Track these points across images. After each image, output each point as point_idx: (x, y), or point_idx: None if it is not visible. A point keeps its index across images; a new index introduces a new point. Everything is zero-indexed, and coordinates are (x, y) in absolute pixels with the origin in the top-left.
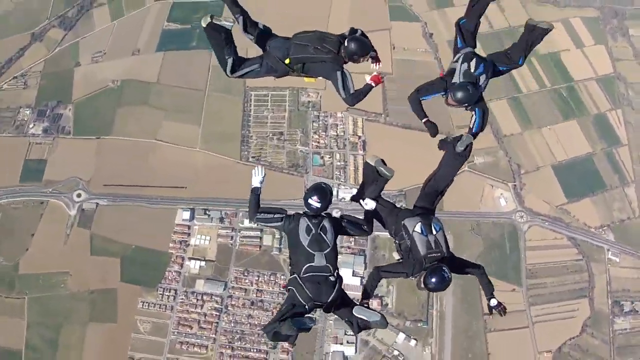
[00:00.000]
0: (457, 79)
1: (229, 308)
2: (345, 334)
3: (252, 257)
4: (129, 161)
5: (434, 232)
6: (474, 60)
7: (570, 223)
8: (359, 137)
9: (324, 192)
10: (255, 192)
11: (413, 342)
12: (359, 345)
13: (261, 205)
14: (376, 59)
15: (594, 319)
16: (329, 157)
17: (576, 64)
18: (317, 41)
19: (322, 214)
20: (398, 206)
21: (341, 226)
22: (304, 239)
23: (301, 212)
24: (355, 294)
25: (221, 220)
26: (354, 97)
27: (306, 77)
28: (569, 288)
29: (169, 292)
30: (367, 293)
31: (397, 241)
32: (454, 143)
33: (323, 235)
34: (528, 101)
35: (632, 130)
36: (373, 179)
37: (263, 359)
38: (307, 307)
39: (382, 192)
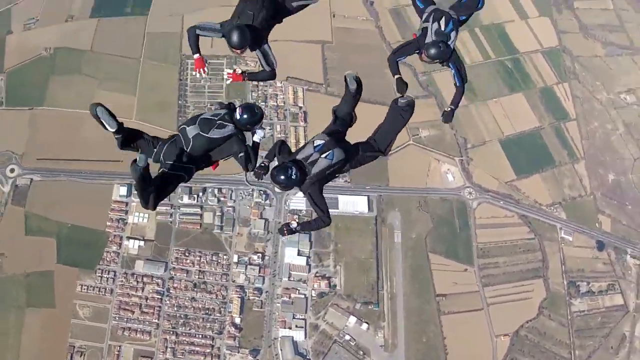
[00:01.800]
0: (429, 38)
1: (170, 291)
2: (294, 318)
3: (192, 235)
4: (63, 133)
5: (324, 156)
6: (443, 18)
7: (520, 200)
8: (300, 108)
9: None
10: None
11: (365, 326)
12: (309, 329)
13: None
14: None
15: (550, 301)
16: (270, 129)
17: (521, 36)
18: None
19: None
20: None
21: (235, 148)
22: (205, 114)
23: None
24: (301, 274)
25: None
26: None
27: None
28: (523, 268)
29: (108, 274)
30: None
31: None
32: (397, 99)
33: (217, 128)
34: (472, 73)
35: (580, 104)
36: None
37: (209, 345)
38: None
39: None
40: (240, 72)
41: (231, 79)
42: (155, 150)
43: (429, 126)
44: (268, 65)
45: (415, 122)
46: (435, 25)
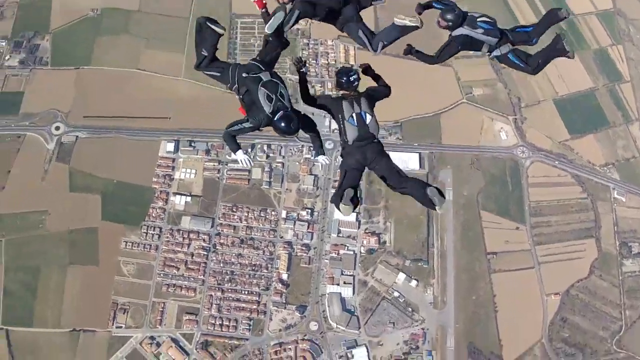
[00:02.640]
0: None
1: (217, 247)
2: (342, 274)
3: (240, 191)
4: (109, 91)
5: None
6: (485, 17)
7: (573, 160)
8: (352, 66)
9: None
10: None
11: (414, 283)
12: (357, 286)
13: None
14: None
15: (601, 261)
16: (320, 87)
17: None
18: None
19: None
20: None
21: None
22: (285, 88)
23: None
24: (350, 230)
25: (207, 152)
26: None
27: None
28: (575, 227)
29: (153, 230)
30: None
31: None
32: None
33: (266, 96)
34: None
35: (634, 66)
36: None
37: (255, 302)
38: None
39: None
40: (265, 1)
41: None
42: (256, 61)
43: (482, 85)
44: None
45: (468, 80)
46: (476, 14)
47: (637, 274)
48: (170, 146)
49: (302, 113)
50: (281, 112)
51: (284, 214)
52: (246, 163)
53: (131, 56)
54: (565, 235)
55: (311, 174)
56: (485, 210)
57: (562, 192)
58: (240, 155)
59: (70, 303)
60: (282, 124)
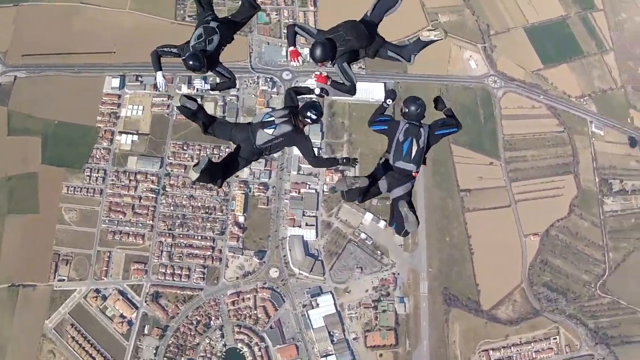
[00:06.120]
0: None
1: (166, 189)
2: (304, 215)
3: (191, 128)
4: (50, 27)
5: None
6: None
7: (548, 90)
8: None
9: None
10: None
11: (382, 224)
12: (320, 228)
13: None
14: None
15: (581, 199)
16: (276, 14)
17: None
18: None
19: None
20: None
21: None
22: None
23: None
24: (312, 167)
25: (155, 87)
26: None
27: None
28: (552, 163)
29: (97, 172)
30: None
31: None
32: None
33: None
34: None
35: None
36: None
37: (209, 247)
38: None
39: None
40: (325, 74)
41: (316, 79)
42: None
43: (449, 11)
44: (348, 80)
45: (434, 6)
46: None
47: (619, 213)
48: (116, 82)
49: (226, 68)
50: (192, 51)
51: None
52: (161, 86)
53: None
54: (542, 171)
55: (268, 107)
56: (456, 144)
57: (537, 124)
58: (159, 76)
59: (8, 255)
60: (189, 60)
